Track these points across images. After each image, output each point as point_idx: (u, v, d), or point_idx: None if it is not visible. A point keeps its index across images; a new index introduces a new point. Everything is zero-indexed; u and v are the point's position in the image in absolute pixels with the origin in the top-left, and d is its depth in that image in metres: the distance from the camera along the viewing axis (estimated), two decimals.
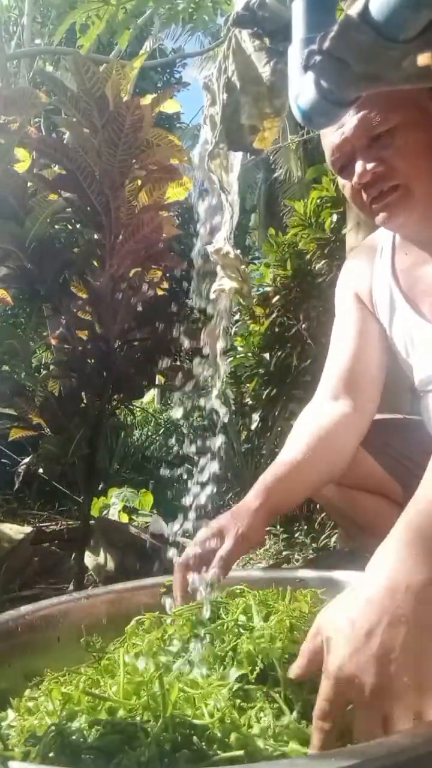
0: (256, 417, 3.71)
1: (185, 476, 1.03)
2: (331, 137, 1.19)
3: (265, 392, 3.65)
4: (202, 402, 1.13)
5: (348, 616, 0.68)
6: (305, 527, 2.89)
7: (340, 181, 1.25)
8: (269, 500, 1.15)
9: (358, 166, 1.16)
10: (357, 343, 1.37)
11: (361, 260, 1.44)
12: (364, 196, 1.20)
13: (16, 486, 2.45)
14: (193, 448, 1.07)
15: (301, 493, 1.27)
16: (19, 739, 0.67)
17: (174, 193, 2.18)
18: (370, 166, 1.14)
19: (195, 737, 0.62)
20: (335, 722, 0.65)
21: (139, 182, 2.08)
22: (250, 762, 0.60)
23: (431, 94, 1.15)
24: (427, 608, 0.67)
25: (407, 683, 0.63)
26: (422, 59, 0.44)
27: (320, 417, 1.32)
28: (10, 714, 0.75)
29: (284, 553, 2.65)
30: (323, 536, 2.74)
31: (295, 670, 0.73)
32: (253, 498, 1.15)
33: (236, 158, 0.73)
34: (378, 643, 0.65)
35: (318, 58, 0.47)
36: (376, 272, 1.38)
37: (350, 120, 1.13)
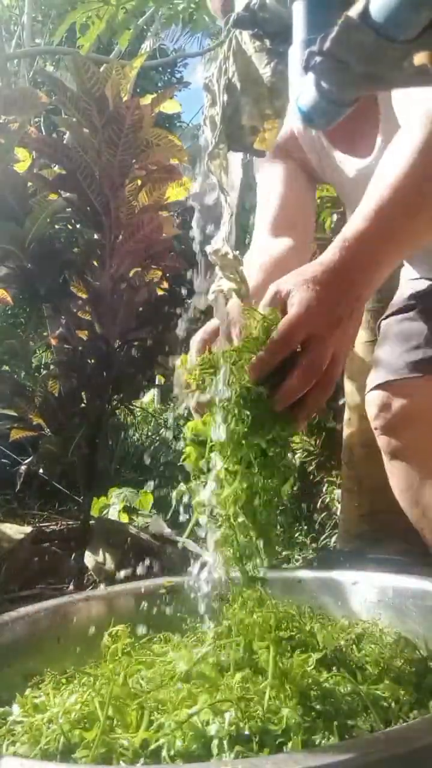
0: None
1: (185, 476, 1.03)
2: None
3: None
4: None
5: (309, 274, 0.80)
6: (305, 527, 2.89)
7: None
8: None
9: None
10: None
11: None
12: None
13: (17, 486, 2.45)
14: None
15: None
16: (28, 737, 0.67)
17: (174, 193, 2.19)
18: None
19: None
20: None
21: (139, 182, 2.08)
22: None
23: None
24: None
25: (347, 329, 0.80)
26: (418, 59, 0.44)
27: (270, 249, 1.27)
28: (15, 709, 0.75)
29: (284, 553, 2.65)
30: (323, 536, 2.74)
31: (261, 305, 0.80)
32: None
33: (236, 159, 0.73)
34: (332, 295, 0.79)
35: (318, 59, 0.47)
36: None
37: None
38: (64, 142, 2.12)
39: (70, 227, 2.31)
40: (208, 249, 0.71)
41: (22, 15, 5.57)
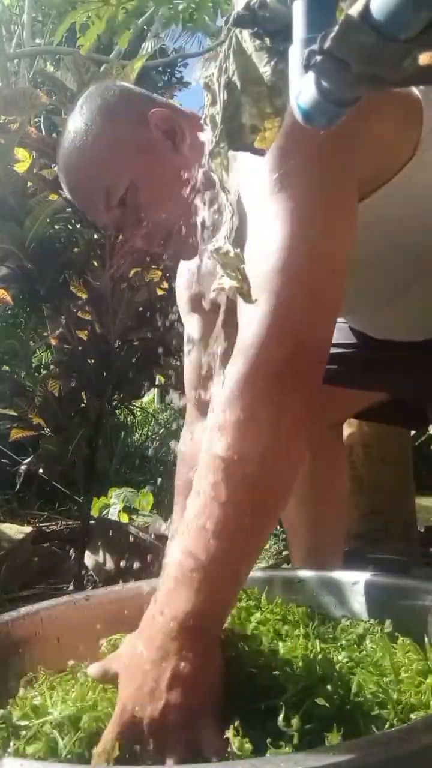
0: None
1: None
2: (79, 207, 1.19)
3: None
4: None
5: (133, 652, 0.71)
6: None
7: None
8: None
9: (128, 233, 1.13)
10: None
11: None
12: (157, 253, 1.18)
13: (17, 486, 2.45)
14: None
15: None
16: (42, 744, 0.66)
17: None
18: (134, 230, 1.12)
19: None
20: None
21: None
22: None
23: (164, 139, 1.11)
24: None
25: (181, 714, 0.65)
26: (423, 59, 0.44)
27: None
28: (14, 713, 0.74)
29: (284, 553, 2.64)
30: None
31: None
32: None
33: (237, 157, 0.73)
34: (152, 677, 0.67)
35: (318, 58, 0.47)
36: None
37: (91, 201, 1.12)
38: None
39: (70, 227, 2.31)
40: (210, 247, 0.70)
41: (22, 15, 5.57)
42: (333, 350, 1.35)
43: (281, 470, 0.74)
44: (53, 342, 2.34)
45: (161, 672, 0.66)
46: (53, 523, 3.17)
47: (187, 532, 0.72)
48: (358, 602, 1.02)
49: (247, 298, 0.68)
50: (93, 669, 0.76)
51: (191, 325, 1.36)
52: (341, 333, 1.35)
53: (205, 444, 0.75)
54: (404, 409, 1.51)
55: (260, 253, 0.76)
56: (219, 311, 1.02)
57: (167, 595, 0.72)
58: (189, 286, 1.38)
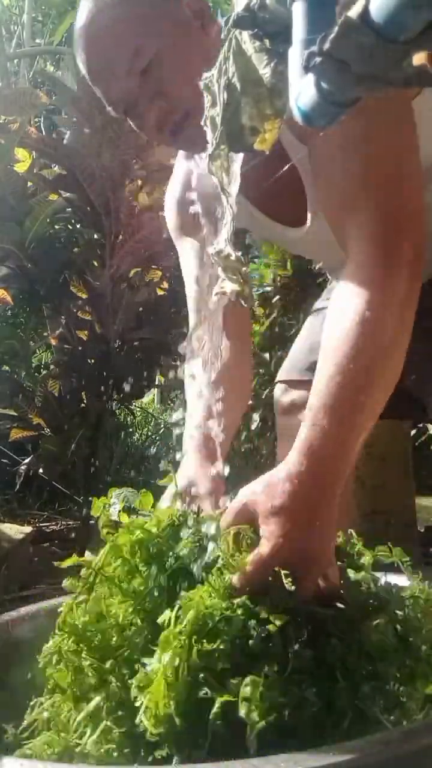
0: (255, 417, 3.71)
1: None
2: (98, 86, 1.10)
3: (265, 392, 3.64)
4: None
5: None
6: None
7: (132, 124, 1.13)
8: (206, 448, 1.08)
9: (141, 108, 1.05)
10: None
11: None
12: (165, 138, 1.09)
13: (17, 486, 2.46)
14: None
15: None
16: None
17: None
18: (151, 104, 1.03)
19: None
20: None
21: (140, 182, 2.09)
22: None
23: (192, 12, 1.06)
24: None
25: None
26: (417, 59, 0.44)
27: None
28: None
29: None
30: None
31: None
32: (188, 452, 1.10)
33: (237, 160, 0.73)
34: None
35: (318, 59, 0.47)
36: None
37: (112, 62, 1.03)
38: (64, 142, 2.12)
39: (70, 227, 2.31)
40: (210, 250, 0.70)
41: (22, 15, 5.58)
42: None
43: (403, 329, 0.86)
44: (53, 342, 2.34)
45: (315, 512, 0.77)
46: (53, 523, 3.17)
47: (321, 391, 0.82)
48: None
49: (249, 301, 0.68)
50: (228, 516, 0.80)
51: (186, 256, 1.28)
52: None
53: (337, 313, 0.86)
54: (398, 400, 1.50)
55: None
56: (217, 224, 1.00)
57: (308, 450, 0.79)
58: (181, 203, 1.28)
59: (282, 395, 1.46)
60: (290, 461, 0.80)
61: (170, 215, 1.32)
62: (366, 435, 0.86)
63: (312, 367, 1.39)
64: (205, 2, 1.09)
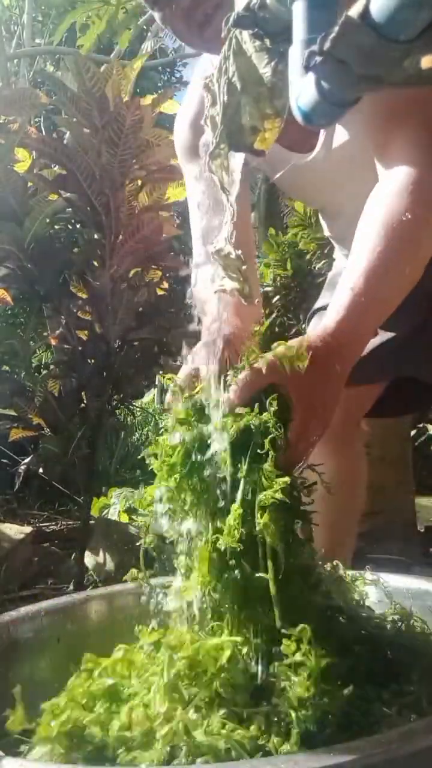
0: None
1: None
2: None
3: None
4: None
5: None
6: None
7: (158, 16, 1.06)
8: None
9: None
10: None
11: None
12: (192, 30, 1.02)
13: (16, 486, 2.45)
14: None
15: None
16: None
17: (174, 193, 2.19)
18: None
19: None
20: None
21: (140, 182, 2.08)
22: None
23: None
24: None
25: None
26: (426, 61, 0.44)
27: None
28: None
29: None
30: None
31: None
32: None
33: (237, 159, 0.73)
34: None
35: (318, 59, 0.47)
36: None
37: None
38: (64, 142, 2.12)
39: (70, 227, 2.31)
40: (210, 249, 0.71)
41: (22, 15, 5.57)
42: None
43: None
44: (53, 342, 2.34)
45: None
46: (53, 523, 3.17)
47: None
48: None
49: (248, 300, 0.68)
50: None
51: (195, 180, 1.25)
52: None
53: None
54: (390, 397, 1.49)
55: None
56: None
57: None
58: (194, 125, 1.23)
59: None
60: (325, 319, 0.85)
61: (182, 136, 1.28)
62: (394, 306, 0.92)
63: None
64: None
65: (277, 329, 3.63)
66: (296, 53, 0.50)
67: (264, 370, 0.77)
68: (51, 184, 2.06)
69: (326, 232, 1.53)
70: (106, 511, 2.78)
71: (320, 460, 0.84)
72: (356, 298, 0.85)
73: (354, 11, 0.44)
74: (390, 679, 0.72)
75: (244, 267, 0.68)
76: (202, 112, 1.19)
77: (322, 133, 1.09)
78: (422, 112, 0.93)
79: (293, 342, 0.80)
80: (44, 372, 3.24)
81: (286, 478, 0.70)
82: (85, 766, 0.64)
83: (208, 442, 0.75)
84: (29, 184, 2.12)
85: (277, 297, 3.61)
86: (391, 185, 0.91)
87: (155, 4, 1.03)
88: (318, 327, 0.87)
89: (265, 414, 0.74)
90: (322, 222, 1.51)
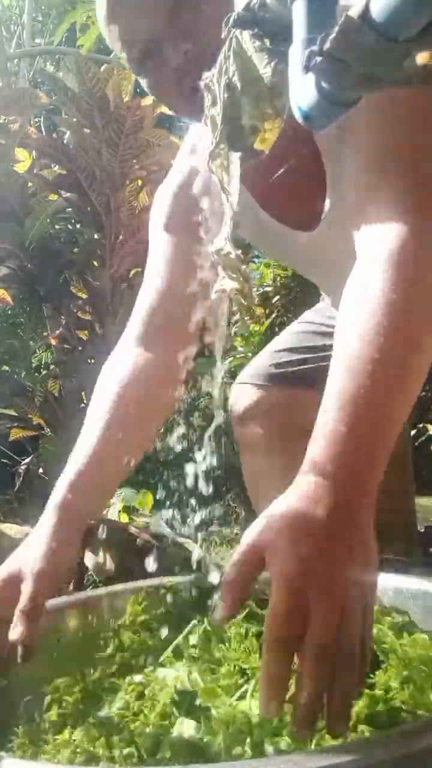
0: None
1: (185, 476, 1.03)
2: (115, 24, 0.93)
3: None
4: (202, 402, 1.12)
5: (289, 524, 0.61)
6: None
7: (145, 82, 0.98)
8: (67, 515, 0.92)
9: (166, 49, 0.90)
10: None
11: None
12: (181, 93, 0.93)
13: (16, 486, 2.45)
14: (193, 448, 1.06)
15: (111, 486, 1.07)
16: None
17: None
18: (178, 46, 0.88)
19: None
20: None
21: (140, 182, 2.08)
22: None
23: None
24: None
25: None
26: (420, 58, 0.44)
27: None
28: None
29: None
30: None
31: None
32: (46, 519, 0.91)
33: (237, 158, 0.73)
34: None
35: (318, 59, 0.47)
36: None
37: None
38: (64, 142, 2.12)
39: (70, 227, 2.31)
40: (210, 249, 0.70)
41: (22, 15, 5.58)
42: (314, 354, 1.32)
43: None
44: (53, 342, 2.34)
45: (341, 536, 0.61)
46: None
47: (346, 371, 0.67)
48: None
49: (249, 299, 0.68)
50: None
51: (164, 250, 1.14)
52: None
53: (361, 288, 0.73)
54: None
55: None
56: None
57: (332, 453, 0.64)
58: (177, 197, 1.14)
59: (236, 400, 1.35)
60: (300, 476, 0.64)
61: (162, 204, 1.16)
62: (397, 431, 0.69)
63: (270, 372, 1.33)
64: None
65: (277, 329, 3.63)
66: (296, 53, 0.50)
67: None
68: (51, 184, 2.06)
69: (323, 296, 1.40)
70: (105, 511, 2.78)
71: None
72: (350, 430, 0.64)
73: (354, 11, 0.44)
74: None
75: (243, 267, 0.68)
76: (186, 184, 1.10)
77: (327, 205, 0.96)
78: (403, 160, 0.78)
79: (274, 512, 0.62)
80: (44, 372, 3.24)
81: None
82: (84, 766, 0.64)
83: None
84: (29, 184, 2.12)
85: (277, 297, 3.62)
86: (369, 267, 0.74)
87: (141, 71, 0.96)
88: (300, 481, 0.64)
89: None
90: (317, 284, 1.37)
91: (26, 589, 0.82)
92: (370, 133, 0.80)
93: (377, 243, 0.74)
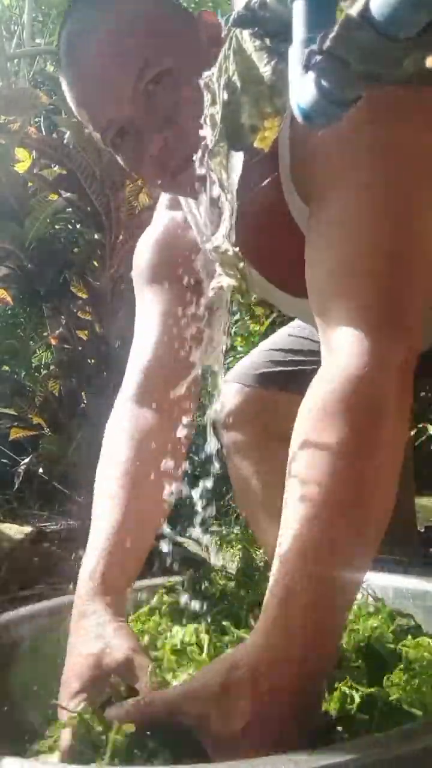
0: None
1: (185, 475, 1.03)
2: (87, 107, 0.89)
3: None
4: (202, 402, 1.12)
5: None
6: None
7: (123, 160, 0.94)
8: (114, 598, 0.87)
9: (146, 138, 0.86)
10: None
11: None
12: (163, 177, 0.90)
13: (16, 486, 2.45)
14: (192, 448, 1.06)
15: (143, 553, 1.03)
16: None
17: None
18: (158, 133, 0.85)
19: None
20: None
21: (140, 182, 2.08)
22: None
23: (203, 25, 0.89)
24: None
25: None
26: (431, 61, 0.44)
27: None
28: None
29: None
30: None
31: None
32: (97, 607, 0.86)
33: (236, 157, 0.73)
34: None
35: (318, 57, 0.47)
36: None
37: (116, 74, 0.83)
38: (64, 142, 2.12)
39: (70, 227, 2.31)
40: (208, 246, 0.70)
41: (22, 15, 5.58)
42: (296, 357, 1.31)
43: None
44: (53, 342, 2.34)
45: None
46: (53, 523, 3.16)
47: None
48: (357, 603, 1.02)
49: (246, 297, 0.68)
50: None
51: (151, 305, 1.13)
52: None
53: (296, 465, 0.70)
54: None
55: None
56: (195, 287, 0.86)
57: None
58: (162, 247, 1.12)
59: (225, 403, 1.33)
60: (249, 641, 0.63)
61: (144, 257, 1.14)
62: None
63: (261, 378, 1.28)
64: (221, 28, 0.90)
65: (276, 329, 3.63)
66: (296, 52, 0.50)
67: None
68: (51, 184, 2.06)
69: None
70: None
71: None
72: (287, 608, 0.62)
73: (354, 10, 0.44)
74: None
75: (241, 264, 0.68)
76: (166, 236, 1.10)
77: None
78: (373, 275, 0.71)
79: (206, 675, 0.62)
80: (44, 372, 3.24)
81: None
82: (84, 766, 0.64)
83: None
84: (29, 184, 2.12)
85: None
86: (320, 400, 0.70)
87: (118, 152, 0.92)
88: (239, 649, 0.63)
89: None
90: None
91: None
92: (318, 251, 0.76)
93: (327, 383, 0.71)
